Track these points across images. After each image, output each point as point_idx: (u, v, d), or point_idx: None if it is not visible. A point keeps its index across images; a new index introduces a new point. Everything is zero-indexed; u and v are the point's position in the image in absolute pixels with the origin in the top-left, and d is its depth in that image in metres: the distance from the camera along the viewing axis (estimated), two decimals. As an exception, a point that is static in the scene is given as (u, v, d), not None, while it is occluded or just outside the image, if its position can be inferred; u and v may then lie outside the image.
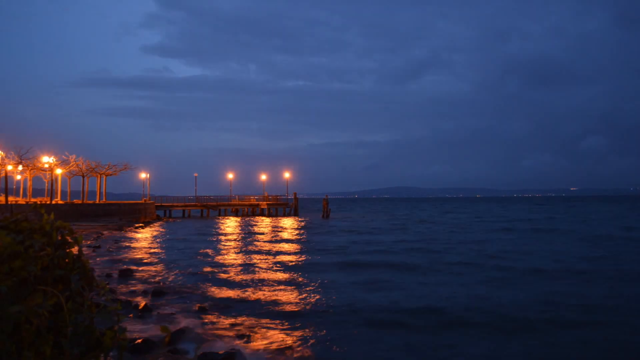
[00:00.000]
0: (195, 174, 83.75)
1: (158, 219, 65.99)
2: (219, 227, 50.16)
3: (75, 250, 1.96)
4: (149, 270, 20.33)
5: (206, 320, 11.93)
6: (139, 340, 9.29)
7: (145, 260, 23.54)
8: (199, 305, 13.37)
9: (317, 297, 15.06)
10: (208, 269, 20.76)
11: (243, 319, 12.19)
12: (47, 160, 53.07)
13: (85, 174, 61.14)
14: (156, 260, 23.89)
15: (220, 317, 12.30)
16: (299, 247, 30.78)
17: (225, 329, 11.22)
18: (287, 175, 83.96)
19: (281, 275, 19.17)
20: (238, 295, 15.13)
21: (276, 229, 46.96)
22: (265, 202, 77.11)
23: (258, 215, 75.08)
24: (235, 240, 35.63)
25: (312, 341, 10.39)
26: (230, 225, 53.88)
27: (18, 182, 65.77)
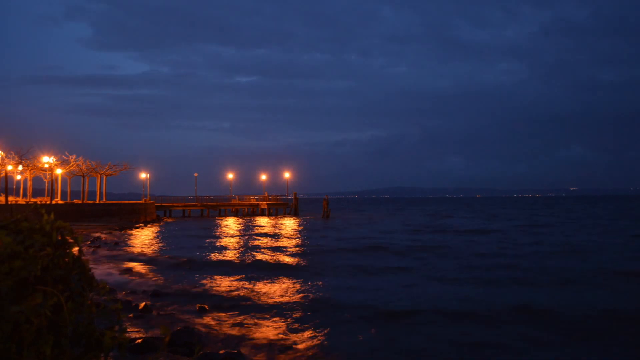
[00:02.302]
0: (196, 174, 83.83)
1: (158, 219, 65.99)
2: (219, 227, 50.17)
3: (75, 250, 1.95)
4: (149, 270, 20.33)
5: (207, 321, 11.93)
6: (139, 340, 9.29)
7: (145, 260, 23.53)
8: (199, 305, 13.37)
9: (321, 298, 15.06)
10: (208, 269, 20.76)
11: (244, 319, 12.19)
12: (47, 160, 53.08)
13: (85, 174, 61.17)
14: (156, 260, 23.89)
15: (221, 317, 12.30)
16: (300, 247, 30.78)
17: (226, 329, 11.22)
18: (286, 175, 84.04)
19: (283, 276, 19.16)
20: (239, 296, 15.13)
21: (277, 229, 46.96)
22: (265, 202, 77.13)
23: (258, 215, 75.10)
24: (235, 240, 35.64)
25: (314, 342, 10.39)
26: (230, 225, 53.89)
27: (18, 182, 65.77)
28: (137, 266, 21.49)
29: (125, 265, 21.25)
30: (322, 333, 11.01)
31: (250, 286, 16.79)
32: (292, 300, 14.48)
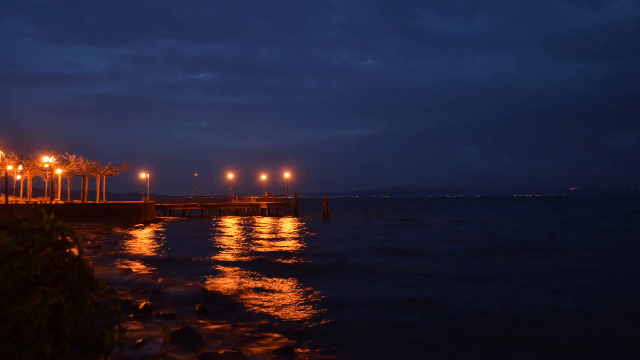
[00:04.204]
0: (195, 174, 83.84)
1: (158, 218, 66.00)
2: (219, 227, 50.17)
3: (75, 250, 1.96)
4: (149, 270, 20.32)
5: (206, 321, 11.93)
6: (139, 340, 9.30)
7: (145, 260, 23.53)
8: (199, 305, 13.36)
9: (321, 298, 15.06)
10: (208, 269, 20.75)
11: (244, 319, 12.19)
12: (47, 160, 53.11)
13: (85, 174, 61.19)
14: (156, 260, 23.88)
15: (220, 318, 12.30)
16: (301, 247, 30.78)
17: (225, 329, 11.22)
18: (286, 175, 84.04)
19: (284, 277, 19.15)
20: (239, 296, 15.13)
21: (277, 229, 46.96)
22: (265, 202, 77.16)
23: (258, 215, 75.13)
24: (235, 240, 35.64)
25: (314, 343, 10.39)
26: (230, 225, 53.89)
27: (18, 182, 65.84)
28: (137, 266, 21.49)
29: (125, 265, 21.24)
30: (322, 333, 11.01)
31: (251, 286, 16.78)
32: (293, 301, 14.48)
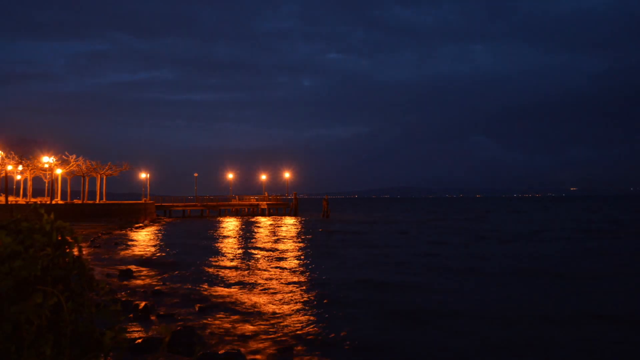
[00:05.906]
0: (196, 174, 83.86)
1: (158, 219, 65.97)
2: (219, 227, 50.16)
3: (75, 250, 1.96)
4: (149, 270, 20.32)
5: (206, 321, 11.93)
6: (139, 341, 9.30)
7: (145, 260, 23.53)
8: (199, 305, 13.37)
9: (321, 298, 15.06)
10: (208, 269, 20.76)
11: (244, 319, 12.19)
12: (47, 160, 53.13)
13: (85, 174, 61.21)
14: (156, 260, 23.89)
15: (220, 318, 12.30)
16: (301, 247, 30.78)
17: (225, 329, 11.22)
18: (286, 175, 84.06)
19: (283, 276, 19.16)
20: (239, 296, 15.13)
21: (277, 229, 46.96)
22: (265, 202, 77.17)
23: (258, 215, 75.13)
24: (235, 240, 35.64)
25: (313, 343, 10.40)
26: (230, 225, 53.89)
27: (18, 182, 65.87)
28: (137, 266, 21.48)
29: (124, 266, 21.24)
30: (321, 334, 11.01)
31: (251, 287, 16.79)
32: (292, 301, 14.49)
